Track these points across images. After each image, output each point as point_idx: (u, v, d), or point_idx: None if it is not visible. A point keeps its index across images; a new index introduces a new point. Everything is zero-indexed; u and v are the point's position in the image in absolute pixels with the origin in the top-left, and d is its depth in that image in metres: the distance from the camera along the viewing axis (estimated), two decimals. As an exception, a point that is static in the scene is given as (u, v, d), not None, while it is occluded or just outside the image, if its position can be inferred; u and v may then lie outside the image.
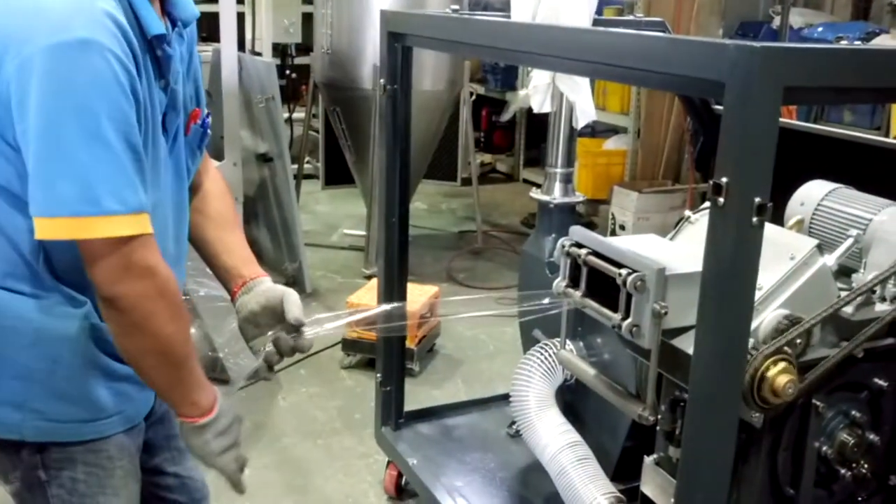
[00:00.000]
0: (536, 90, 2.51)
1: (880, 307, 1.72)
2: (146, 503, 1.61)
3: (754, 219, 1.22)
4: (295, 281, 4.67)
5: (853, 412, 1.73)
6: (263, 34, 6.00)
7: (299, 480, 2.97)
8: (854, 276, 1.80)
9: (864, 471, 1.75)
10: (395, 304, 1.93)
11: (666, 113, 5.71)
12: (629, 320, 1.63)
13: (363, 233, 5.25)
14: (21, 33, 1.20)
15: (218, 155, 4.10)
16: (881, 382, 1.74)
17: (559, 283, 1.82)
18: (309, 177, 6.16)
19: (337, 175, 5.75)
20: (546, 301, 1.87)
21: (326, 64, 5.00)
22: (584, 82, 2.46)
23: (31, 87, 1.19)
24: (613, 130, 6.27)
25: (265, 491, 2.88)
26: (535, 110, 2.56)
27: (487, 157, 7.70)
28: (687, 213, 1.96)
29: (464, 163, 6.06)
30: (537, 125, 7.25)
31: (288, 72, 6.32)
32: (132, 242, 1.25)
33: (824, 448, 1.71)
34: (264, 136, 4.50)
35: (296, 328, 1.57)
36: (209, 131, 1.60)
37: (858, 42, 4.54)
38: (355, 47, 4.84)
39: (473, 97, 5.63)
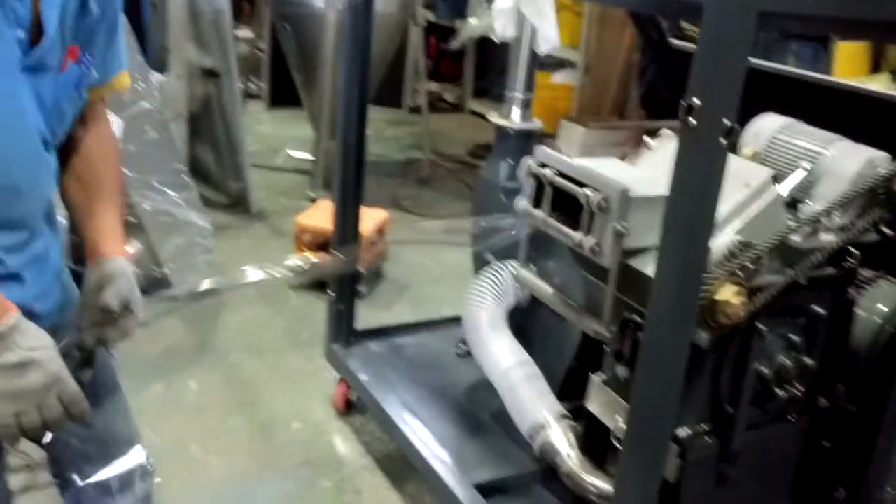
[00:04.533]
0: (500, 13, 2.50)
1: (824, 237, 1.81)
2: None
3: (722, 140, 1.26)
4: (240, 201, 4.63)
5: (792, 336, 1.83)
6: (207, -54, 5.78)
7: (247, 397, 2.99)
8: (801, 206, 1.88)
9: (796, 392, 1.86)
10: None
11: (616, 49, 5.72)
12: (591, 239, 1.67)
13: (309, 156, 5.20)
14: None
15: (161, 67, 4.00)
16: (818, 309, 1.83)
17: (523, 202, 1.86)
18: (252, 97, 6.04)
19: (281, 96, 5.64)
20: (505, 222, 1.91)
21: (278, -22, 4.87)
22: (548, 8, 2.46)
23: None
24: (561, 64, 6.27)
25: (214, 406, 2.89)
26: (498, 33, 2.55)
27: (434, 86, 7.64)
28: (646, 139, 2.00)
29: (410, 90, 6.01)
30: (487, 55, 7.21)
31: (231, -14, 6.11)
32: None
33: (764, 369, 1.81)
34: (211, 50, 4.38)
35: (106, 313, 1.38)
36: (88, 74, 1.39)
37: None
38: (309, -38, 4.72)
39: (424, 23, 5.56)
